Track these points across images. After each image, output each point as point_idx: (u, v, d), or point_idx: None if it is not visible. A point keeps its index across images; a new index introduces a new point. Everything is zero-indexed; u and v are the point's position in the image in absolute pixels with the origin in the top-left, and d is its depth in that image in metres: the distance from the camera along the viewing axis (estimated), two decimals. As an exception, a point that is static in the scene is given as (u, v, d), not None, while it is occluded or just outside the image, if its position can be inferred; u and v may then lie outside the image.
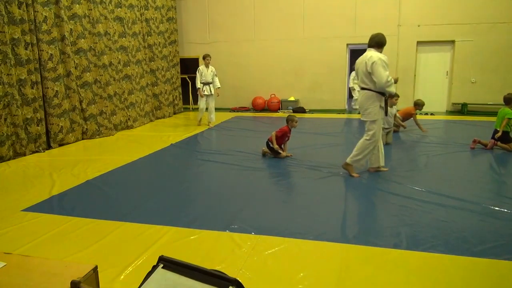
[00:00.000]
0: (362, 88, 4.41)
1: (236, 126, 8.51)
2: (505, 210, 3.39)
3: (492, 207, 3.48)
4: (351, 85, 10.42)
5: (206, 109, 8.44)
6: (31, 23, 6.06)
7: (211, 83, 8.27)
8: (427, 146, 6.17)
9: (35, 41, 6.15)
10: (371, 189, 4.12)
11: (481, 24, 9.63)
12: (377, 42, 4.33)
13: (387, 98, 4.47)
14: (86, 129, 7.31)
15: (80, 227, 3.19)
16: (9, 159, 5.64)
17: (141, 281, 1.47)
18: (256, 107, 11.22)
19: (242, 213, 3.45)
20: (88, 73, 7.26)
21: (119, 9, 8.20)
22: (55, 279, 1.53)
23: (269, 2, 10.93)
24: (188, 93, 11.82)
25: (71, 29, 6.90)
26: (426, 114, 9.65)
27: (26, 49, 5.95)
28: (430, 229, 3.03)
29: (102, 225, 3.23)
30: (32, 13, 6.07)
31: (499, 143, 5.78)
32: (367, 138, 4.40)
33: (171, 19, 10.60)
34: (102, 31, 7.60)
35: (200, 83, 8.14)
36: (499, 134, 5.69)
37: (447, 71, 10.28)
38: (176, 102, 10.92)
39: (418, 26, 10.05)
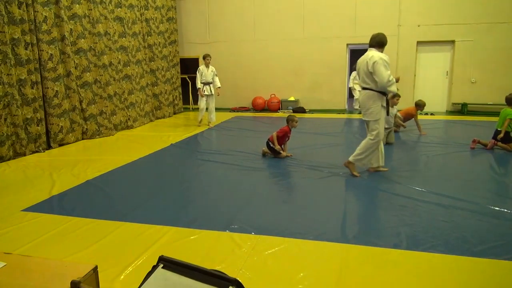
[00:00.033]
0: (364, 88, 4.41)
1: (236, 126, 8.51)
2: (505, 210, 3.39)
3: (492, 207, 3.48)
4: (351, 85, 10.41)
5: (206, 109, 8.44)
6: (31, 23, 6.07)
7: (211, 83, 8.27)
8: (427, 146, 6.17)
9: (35, 41, 6.15)
10: (371, 189, 4.12)
11: (481, 24, 9.64)
12: (378, 42, 4.33)
13: (389, 97, 4.47)
14: (86, 129, 7.31)
15: (80, 227, 3.19)
16: (9, 159, 5.64)
17: (141, 281, 1.47)
18: (256, 107, 11.22)
19: (242, 213, 3.45)
20: (88, 73, 7.26)
21: (119, 9, 8.21)
22: (55, 279, 1.53)
23: (269, 2, 10.94)
24: (188, 93, 11.82)
25: (71, 29, 6.90)
26: (426, 114, 9.65)
27: (26, 49, 5.96)
28: (430, 229, 3.03)
29: (102, 225, 3.23)
30: (32, 13, 6.07)
31: (499, 143, 5.78)
32: (371, 137, 4.40)
33: (171, 19, 10.60)
34: (102, 31, 7.60)
35: (201, 83, 8.14)
36: (502, 135, 5.67)
37: (447, 71, 10.28)
38: (176, 102, 10.92)
39: (418, 26, 10.05)
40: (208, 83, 8.22)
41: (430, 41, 10.10)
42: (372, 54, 4.25)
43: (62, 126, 6.64)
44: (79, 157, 5.80)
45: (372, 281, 2.33)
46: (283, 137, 5.51)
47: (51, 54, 6.42)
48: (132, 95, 8.66)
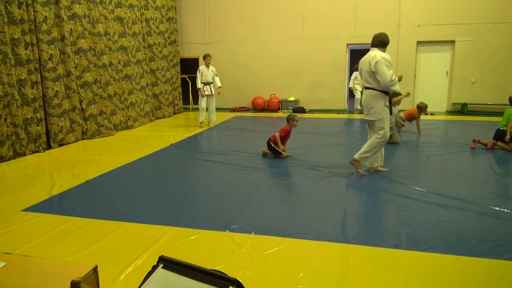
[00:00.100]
0: (366, 88, 4.42)
1: (236, 126, 8.51)
2: (505, 210, 3.39)
3: (492, 207, 3.48)
4: (351, 85, 10.41)
5: (207, 109, 8.44)
6: (31, 23, 6.06)
7: (211, 83, 8.27)
8: (427, 146, 6.17)
9: (35, 41, 6.15)
10: (371, 189, 4.12)
11: (481, 24, 9.64)
12: (380, 42, 4.34)
13: (391, 97, 4.47)
14: (86, 129, 7.31)
15: (80, 227, 3.19)
16: (9, 159, 5.64)
17: (141, 281, 1.47)
18: (256, 107, 11.22)
19: (242, 213, 3.45)
20: (88, 73, 7.26)
21: (119, 9, 8.21)
22: (55, 279, 1.52)
23: (269, 2, 10.94)
24: (188, 93, 11.82)
25: (71, 29, 6.90)
26: (426, 114, 9.64)
27: (26, 49, 5.95)
28: (430, 229, 3.03)
29: (102, 225, 3.23)
30: (32, 13, 6.07)
31: (499, 143, 5.78)
32: (379, 136, 4.40)
33: (171, 19, 10.60)
34: (102, 31, 7.60)
35: (201, 83, 8.13)
36: (508, 136, 5.63)
37: (447, 71, 10.28)
38: (176, 102, 10.92)
39: (418, 26, 10.06)
40: (208, 83, 8.22)
41: (430, 41, 10.10)
42: (375, 53, 4.25)
43: (62, 126, 6.64)
44: (79, 157, 5.80)
45: (372, 281, 2.33)
46: (285, 137, 5.52)
47: (51, 54, 6.42)
48: (132, 95, 8.66)
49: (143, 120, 9.08)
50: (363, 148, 4.51)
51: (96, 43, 7.43)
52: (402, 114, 7.13)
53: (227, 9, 11.29)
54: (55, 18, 6.50)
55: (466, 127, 7.87)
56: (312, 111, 10.78)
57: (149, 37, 9.43)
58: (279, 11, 10.91)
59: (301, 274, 2.41)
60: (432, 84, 10.38)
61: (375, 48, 4.35)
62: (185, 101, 11.79)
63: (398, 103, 6.41)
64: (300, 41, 10.92)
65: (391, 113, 4.51)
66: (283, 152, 5.47)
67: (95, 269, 1.59)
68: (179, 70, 11.15)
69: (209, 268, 1.42)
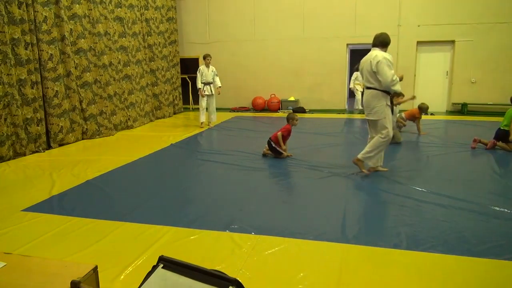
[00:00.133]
0: (368, 88, 4.42)
1: (236, 126, 8.51)
2: (505, 210, 3.39)
3: (492, 207, 3.48)
4: (351, 86, 10.40)
5: (206, 109, 8.44)
6: (31, 23, 6.06)
7: (211, 83, 8.27)
8: (427, 146, 6.18)
9: (35, 41, 6.15)
10: (371, 189, 4.12)
11: (481, 24, 9.64)
12: (382, 42, 4.34)
13: (392, 96, 4.47)
14: (86, 129, 7.31)
15: (80, 227, 3.19)
16: (9, 159, 5.63)
17: (141, 281, 1.47)
18: (256, 107, 11.22)
19: (242, 213, 3.45)
20: (88, 73, 7.26)
21: (119, 9, 8.21)
22: (55, 279, 1.53)
23: (269, 2, 10.94)
24: (188, 93, 11.83)
25: (71, 29, 6.90)
26: (426, 114, 9.64)
27: (26, 49, 5.96)
28: (430, 229, 3.03)
29: (102, 225, 3.23)
30: (32, 13, 6.07)
31: (499, 143, 5.77)
32: (382, 136, 4.39)
33: (171, 19, 10.60)
34: (102, 31, 7.60)
35: (201, 83, 8.13)
36: (511, 136, 5.63)
37: (447, 71, 10.28)
38: (176, 102, 10.93)
39: (418, 26, 10.06)
40: (208, 83, 8.22)
41: (430, 41, 10.10)
42: (376, 53, 4.26)
43: (62, 126, 6.64)
44: (79, 157, 5.80)
45: (372, 281, 2.33)
46: (287, 136, 5.52)
47: (51, 54, 6.42)
48: (132, 95, 8.66)
49: (143, 120, 9.08)
50: (366, 148, 4.51)
51: (96, 43, 7.43)
52: (403, 114, 7.15)
53: (227, 9, 11.29)
54: (55, 18, 6.51)
55: (466, 127, 7.87)
56: (312, 111, 10.78)
57: (149, 37, 9.43)
58: (279, 11, 10.91)
59: (301, 274, 2.41)
60: (432, 84, 10.38)
61: (376, 48, 4.35)
62: (185, 101, 11.79)
63: (399, 102, 6.41)
64: (300, 41, 10.92)
65: (392, 113, 4.51)
66: (284, 152, 5.47)
67: (95, 269, 1.59)
68: (179, 70, 11.15)
69: (209, 268, 1.42)
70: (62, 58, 6.71)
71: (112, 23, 7.99)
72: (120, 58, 8.26)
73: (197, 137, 7.30)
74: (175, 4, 10.79)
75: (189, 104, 11.92)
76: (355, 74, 10.15)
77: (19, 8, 5.78)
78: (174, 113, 10.80)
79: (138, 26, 8.97)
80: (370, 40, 4.49)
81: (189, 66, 12.03)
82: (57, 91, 6.54)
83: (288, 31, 10.94)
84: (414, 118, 7.13)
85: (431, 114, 9.73)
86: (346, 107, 11.13)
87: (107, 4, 7.76)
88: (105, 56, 7.64)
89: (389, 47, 4.46)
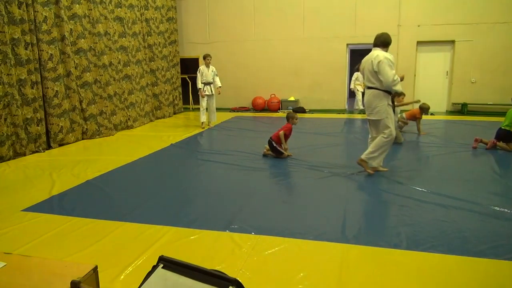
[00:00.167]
0: (369, 87, 4.42)
1: (236, 126, 8.51)
2: (505, 210, 3.38)
3: (492, 207, 3.48)
4: (352, 86, 10.40)
5: (206, 109, 8.44)
6: (31, 23, 6.07)
7: (212, 83, 8.26)
8: (427, 146, 6.18)
9: (35, 41, 6.15)
10: (371, 189, 4.12)
11: (481, 24, 9.64)
12: (383, 42, 4.35)
13: (394, 96, 4.47)
14: (86, 129, 7.31)
15: (80, 227, 3.19)
16: (9, 159, 5.64)
17: (141, 281, 1.47)
18: (256, 107, 11.22)
19: (242, 213, 3.45)
20: (88, 73, 7.26)
21: (119, 9, 8.21)
22: (55, 279, 1.53)
23: (269, 2, 10.94)
24: (188, 93, 11.83)
25: (71, 29, 6.90)
26: (427, 114, 9.65)
27: (26, 49, 5.96)
28: (430, 229, 3.03)
29: (102, 225, 3.23)
30: (32, 13, 6.07)
31: (498, 143, 5.77)
32: (385, 136, 4.40)
33: (171, 19, 10.60)
34: (102, 31, 7.60)
35: (201, 83, 8.12)
36: None
37: (447, 71, 10.28)
38: (176, 102, 10.93)
39: (418, 26, 10.06)
40: (208, 83, 8.21)
41: (430, 41, 10.10)
42: (377, 53, 4.26)
43: (62, 126, 6.64)
44: (79, 157, 5.80)
45: (372, 281, 2.33)
46: (288, 135, 5.52)
47: (51, 54, 6.42)
48: (132, 95, 8.66)
49: (143, 120, 9.08)
50: (370, 148, 4.51)
51: (96, 43, 7.43)
52: (404, 114, 7.15)
53: (227, 9, 11.29)
54: (55, 18, 6.51)
55: (466, 127, 7.87)
56: (312, 111, 10.78)
57: (149, 37, 9.43)
58: (279, 11, 10.91)
59: (301, 274, 2.41)
60: (432, 84, 10.38)
61: (378, 48, 4.36)
62: (185, 101, 11.79)
63: (401, 101, 6.41)
64: (300, 41, 10.92)
65: (394, 113, 4.51)
66: (284, 152, 5.47)
67: (95, 269, 1.60)
68: (179, 70, 11.16)
69: (209, 268, 1.42)
70: (62, 58, 6.71)
71: (112, 23, 7.99)
72: (120, 58, 8.26)
73: (197, 137, 7.30)
74: (175, 4, 10.79)
75: (189, 104, 11.92)
76: (356, 74, 10.15)
77: (19, 8, 5.78)
78: (174, 113, 10.81)
79: (138, 26, 8.97)
80: (370, 40, 4.50)
81: (189, 66, 12.03)
82: (57, 91, 6.54)
83: (288, 31, 10.94)
84: (414, 118, 7.13)
85: (431, 114, 9.73)
86: (346, 107, 11.13)
87: (107, 4, 7.77)
88: (105, 56, 7.65)
89: (389, 47, 4.47)
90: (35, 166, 5.31)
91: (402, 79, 4.37)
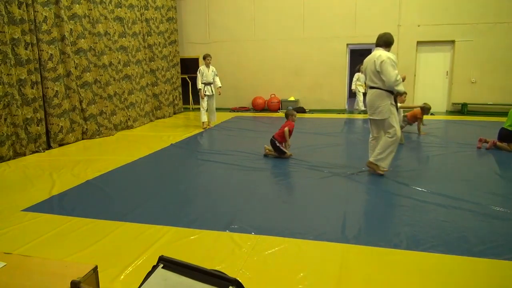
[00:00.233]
0: (371, 87, 4.42)
1: (236, 126, 8.51)
2: (506, 210, 3.38)
3: (492, 207, 3.48)
4: (353, 87, 10.39)
5: (207, 109, 8.44)
6: (31, 23, 6.07)
7: (212, 83, 8.26)
8: (428, 146, 6.18)
9: (35, 41, 6.15)
10: (371, 189, 4.12)
11: (481, 24, 9.64)
12: (385, 41, 4.36)
13: (396, 95, 4.47)
14: (86, 129, 7.31)
15: (80, 227, 3.19)
16: (9, 159, 5.64)
17: (141, 281, 1.47)
18: (256, 107, 11.22)
19: (242, 213, 3.45)
20: (88, 73, 7.26)
21: (119, 9, 8.21)
22: (55, 279, 1.53)
23: (269, 2, 10.94)
24: (188, 93, 11.83)
25: (71, 29, 6.90)
26: (427, 114, 9.65)
27: (26, 49, 5.96)
28: (430, 229, 3.03)
29: (102, 225, 3.23)
30: (32, 13, 6.07)
31: (499, 143, 5.76)
32: (389, 136, 4.39)
33: (171, 19, 10.60)
34: (102, 31, 7.60)
35: (201, 83, 8.11)
36: None
37: (447, 71, 10.28)
38: (176, 102, 10.93)
39: (418, 26, 10.06)
40: (209, 84, 8.21)
41: (430, 41, 10.10)
42: (380, 53, 4.27)
43: (62, 126, 6.64)
44: (79, 157, 5.80)
45: (372, 281, 2.33)
46: (290, 133, 5.52)
47: (51, 54, 6.42)
48: (132, 95, 8.66)
49: (143, 120, 9.08)
50: (377, 150, 4.49)
51: (96, 43, 7.43)
52: (405, 115, 7.12)
53: (227, 9, 11.29)
54: (55, 18, 6.51)
55: (466, 127, 7.87)
56: (312, 111, 10.78)
57: (149, 37, 9.43)
58: (279, 11, 10.91)
59: (301, 274, 2.41)
60: (432, 84, 10.38)
61: (380, 48, 4.36)
62: (185, 101, 11.79)
63: (403, 101, 6.39)
64: (300, 41, 10.92)
65: (397, 110, 4.51)
66: (287, 152, 5.46)
67: (95, 269, 1.60)
68: (179, 70, 11.16)
69: (209, 268, 1.42)
70: (62, 58, 6.71)
71: (112, 23, 7.99)
72: (120, 58, 8.26)
73: (197, 137, 7.30)
74: (175, 4, 10.79)
75: (189, 104, 11.92)
76: (357, 75, 10.15)
77: (19, 8, 5.78)
78: (174, 113, 10.81)
79: (138, 26, 8.97)
80: (370, 40, 4.51)
81: (189, 66, 12.03)
82: (57, 91, 6.54)
83: (288, 31, 10.94)
84: (416, 118, 7.12)
85: (431, 114, 9.73)
86: (346, 107, 11.13)
87: (107, 4, 7.77)
88: (105, 56, 7.65)
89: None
90: (35, 166, 5.31)
91: (403, 80, 4.37)
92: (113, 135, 7.71)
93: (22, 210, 3.60)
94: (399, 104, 5.94)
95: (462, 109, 9.96)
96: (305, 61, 10.96)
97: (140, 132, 8.09)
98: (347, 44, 10.71)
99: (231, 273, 1.89)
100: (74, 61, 7.00)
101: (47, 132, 6.49)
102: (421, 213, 3.38)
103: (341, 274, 2.41)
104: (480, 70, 9.84)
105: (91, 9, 7.30)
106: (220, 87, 8.41)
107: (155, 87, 9.81)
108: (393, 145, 4.41)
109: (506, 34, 9.50)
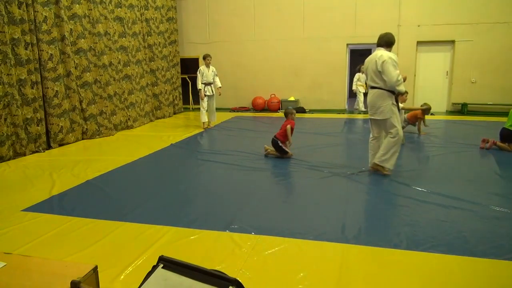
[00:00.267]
0: (372, 87, 4.41)
1: (236, 126, 8.51)
2: (506, 210, 3.38)
3: (492, 207, 3.48)
4: (354, 88, 10.39)
5: (207, 110, 8.44)
6: (31, 23, 6.07)
7: (212, 83, 8.25)
8: (428, 146, 6.18)
9: (35, 41, 6.15)
10: (371, 189, 4.12)
11: (481, 24, 9.64)
12: (387, 41, 4.36)
13: (397, 95, 4.47)
14: (86, 129, 7.31)
15: (80, 227, 3.19)
16: (9, 159, 5.64)
17: (141, 281, 1.47)
18: (256, 107, 11.22)
19: (242, 213, 3.45)
20: (88, 73, 7.26)
21: (119, 9, 8.21)
22: (55, 279, 1.53)
23: (269, 2, 10.94)
24: (188, 93, 11.83)
25: (71, 29, 6.90)
26: (427, 114, 9.64)
27: (26, 49, 5.96)
28: (430, 229, 3.03)
29: (102, 225, 3.23)
30: (32, 13, 6.07)
31: (498, 143, 5.76)
32: (391, 136, 4.38)
33: (171, 19, 10.60)
34: (102, 31, 7.60)
35: (202, 83, 8.11)
36: None
37: (447, 71, 10.28)
38: (176, 102, 10.93)
39: (418, 26, 10.06)
40: (209, 84, 8.20)
41: (430, 41, 10.10)
42: (381, 53, 4.27)
43: (62, 126, 6.64)
44: (79, 157, 5.80)
45: (372, 281, 2.33)
46: (293, 130, 5.52)
47: (51, 54, 6.42)
48: (132, 95, 8.66)
49: (143, 120, 9.08)
50: (380, 151, 4.49)
51: (96, 43, 7.43)
52: (406, 116, 7.12)
53: (227, 9, 11.29)
54: (55, 18, 6.51)
55: (466, 127, 7.87)
56: (312, 111, 10.78)
57: (149, 37, 9.43)
58: (279, 11, 10.91)
59: (301, 274, 2.41)
60: (432, 84, 10.38)
61: (381, 48, 4.37)
62: (185, 101, 11.79)
63: (404, 100, 6.40)
64: (300, 41, 10.92)
65: (398, 110, 4.50)
66: (289, 151, 5.45)
67: (95, 269, 1.60)
68: (179, 70, 11.15)
69: (209, 268, 1.42)
70: (62, 58, 6.71)
71: (112, 23, 7.99)
72: (120, 58, 8.26)
73: (197, 137, 7.30)
74: (175, 4, 10.79)
75: (189, 104, 11.92)
76: (357, 75, 10.15)
77: (19, 8, 5.78)
78: (174, 113, 10.80)
79: (138, 26, 8.97)
80: (370, 40, 4.51)
81: (189, 66, 12.03)
82: (57, 91, 6.54)
83: (288, 31, 10.94)
84: (416, 119, 7.12)
85: (431, 114, 9.73)
86: (346, 107, 11.13)
87: (107, 4, 7.77)
88: (105, 56, 7.65)
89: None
90: (35, 166, 5.31)
91: (404, 80, 4.37)
92: (113, 135, 7.71)
93: (22, 210, 3.60)
94: (401, 105, 5.95)
95: (462, 109, 9.96)
96: (305, 61, 10.96)
97: (140, 132, 8.10)
98: (347, 44, 10.71)
99: (231, 273, 1.89)
100: (74, 61, 7.00)
101: (47, 132, 6.49)
102: (421, 213, 3.38)
103: (341, 274, 2.41)
104: (480, 70, 9.84)
105: (91, 9, 7.30)
106: (220, 87, 8.41)
107: (155, 87, 9.81)
108: (396, 145, 4.41)
109: (506, 34, 9.50)
